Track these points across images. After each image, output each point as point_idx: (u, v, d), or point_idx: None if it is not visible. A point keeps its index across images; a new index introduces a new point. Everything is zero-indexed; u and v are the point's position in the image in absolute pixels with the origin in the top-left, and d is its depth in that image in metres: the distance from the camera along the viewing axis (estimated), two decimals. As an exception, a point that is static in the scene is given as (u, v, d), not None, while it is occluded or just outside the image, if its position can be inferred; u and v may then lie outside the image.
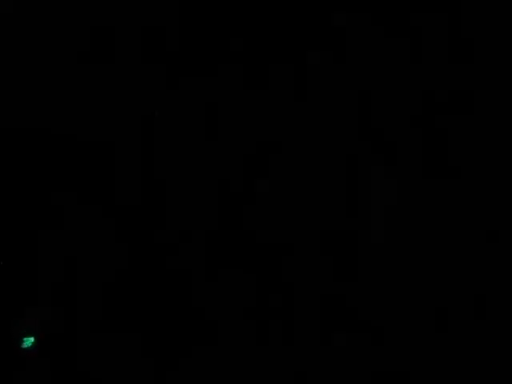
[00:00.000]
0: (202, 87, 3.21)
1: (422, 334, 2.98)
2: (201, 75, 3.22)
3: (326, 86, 3.17)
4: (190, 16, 3.24)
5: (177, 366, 3.06)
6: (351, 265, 3.07)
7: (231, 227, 3.15)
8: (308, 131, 3.16)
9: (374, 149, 3.13)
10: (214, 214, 3.16)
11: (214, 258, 3.13)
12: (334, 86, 3.16)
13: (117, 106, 3.23)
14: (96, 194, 3.19)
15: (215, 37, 3.22)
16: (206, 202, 3.17)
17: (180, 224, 3.17)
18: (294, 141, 3.16)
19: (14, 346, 3.09)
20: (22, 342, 3.05)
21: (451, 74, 3.10)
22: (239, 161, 3.18)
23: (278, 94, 3.19)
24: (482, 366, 2.93)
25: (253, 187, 3.16)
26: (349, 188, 3.12)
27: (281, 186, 3.15)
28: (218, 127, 3.20)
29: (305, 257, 3.09)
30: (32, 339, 3.06)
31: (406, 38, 3.13)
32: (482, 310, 2.97)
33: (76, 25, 3.25)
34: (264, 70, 3.20)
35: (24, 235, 3.17)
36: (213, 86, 3.21)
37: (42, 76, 3.24)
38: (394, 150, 3.11)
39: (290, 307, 3.07)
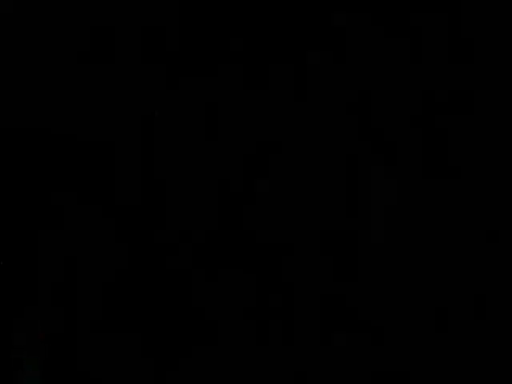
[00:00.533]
0: (202, 87, 3.21)
1: (422, 334, 2.98)
2: (201, 75, 3.22)
3: (325, 86, 3.17)
4: (190, 16, 3.24)
5: (177, 366, 3.06)
6: (351, 265, 3.07)
7: (231, 227, 3.15)
8: (308, 131, 3.16)
9: (373, 149, 3.13)
10: (213, 214, 3.17)
11: (213, 257, 3.13)
12: (333, 86, 3.16)
13: (117, 105, 3.23)
14: (96, 193, 3.19)
15: (215, 37, 3.23)
16: (206, 201, 3.17)
17: (180, 224, 3.17)
18: (294, 141, 3.16)
19: (14, 346, 3.09)
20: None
21: (451, 74, 3.10)
22: (239, 161, 3.18)
23: (277, 94, 3.19)
24: (482, 365, 2.93)
25: (253, 187, 3.16)
26: (349, 188, 3.12)
27: (281, 185, 3.15)
28: (218, 127, 3.20)
29: (305, 257, 3.10)
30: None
31: (405, 37, 3.13)
32: (482, 310, 2.97)
33: (76, 25, 3.25)
34: (264, 70, 3.20)
35: (24, 235, 3.17)
36: (213, 86, 3.21)
37: (42, 76, 3.24)
38: (394, 150, 3.12)
39: (290, 307, 3.07)
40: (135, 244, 3.16)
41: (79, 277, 3.15)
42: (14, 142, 3.21)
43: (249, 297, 3.09)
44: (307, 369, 3.01)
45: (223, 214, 3.16)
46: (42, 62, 3.25)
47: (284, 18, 3.21)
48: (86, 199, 3.19)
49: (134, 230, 3.17)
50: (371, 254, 3.07)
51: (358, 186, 3.12)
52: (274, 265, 3.11)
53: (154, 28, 3.25)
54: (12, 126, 3.23)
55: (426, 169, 3.08)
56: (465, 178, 3.05)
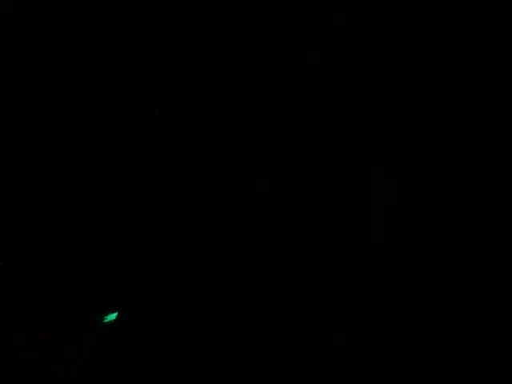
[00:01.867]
0: (202, 87, 3.21)
1: (422, 334, 2.98)
2: (201, 75, 3.22)
3: (326, 86, 3.17)
4: (190, 16, 3.24)
5: (177, 366, 3.06)
6: (351, 265, 3.07)
7: (231, 227, 3.15)
8: (308, 131, 3.16)
9: (373, 149, 3.13)
10: (213, 214, 3.17)
11: (213, 257, 3.13)
12: (334, 86, 3.16)
13: (117, 105, 3.23)
14: (96, 193, 3.19)
15: (215, 37, 3.22)
16: (206, 201, 3.17)
17: (180, 224, 3.17)
18: (294, 141, 3.16)
19: (14, 346, 3.09)
20: (105, 317, 3.06)
21: (451, 74, 3.10)
22: (239, 161, 3.18)
23: (278, 94, 3.19)
24: (482, 365, 2.93)
25: (253, 187, 3.16)
26: (349, 188, 3.12)
27: (281, 185, 3.15)
28: (218, 127, 3.20)
29: (305, 257, 3.10)
30: (114, 315, 3.07)
31: (405, 37, 3.13)
32: (482, 310, 2.97)
33: (76, 25, 3.25)
34: (264, 70, 3.20)
35: (24, 235, 3.17)
36: (213, 86, 3.21)
37: (42, 76, 3.24)
38: (394, 150, 3.12)
39: (290, 307, 3.07)
40: (135, 244, 3.16)
41: (79, 277, 3.15)
42: (14, 142, 3.21)
43: (249, 297, 3.09)
44: (307, 369, 3.01)
45: (223, 214, 3.16)
46: (42, 62, 3.25)
47: (284, 18, 3.21)
48: (86, 199, 3.19)
49: (134, 229, 3.17)
50: (371, 254, 3.07)
51: (358, 186, 3.12)
52: (273, 265, 3.11)
53: (153, 28, 3.25)
54: (12, 126, 3.23)
55: (426, 169, 3.08)
56: (465, 177, 3.05)
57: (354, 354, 3.00)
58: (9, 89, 3.24)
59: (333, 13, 3.17)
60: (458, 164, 3.07)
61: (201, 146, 3.20)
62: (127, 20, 3.25)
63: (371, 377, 2.98)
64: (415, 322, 3.00)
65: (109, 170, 3.21)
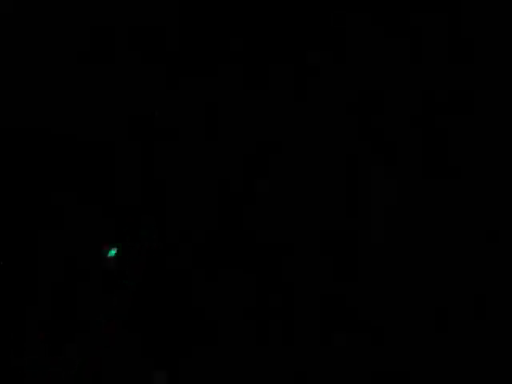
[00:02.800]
0: (202, 87, 3.22)
1: (422, 334, 2.98)
2: (201, 75, 3.22)
3: (326, 86, 3.17)
4: (190, 16, 3.24)
5: (177, 366, 3.06)
6: (351, 265, 3.07)
7: (231, 227, 3.15)
8: (308, 131, 3.16)
9: (373, 149, 3.13)
10: (213, 214, 3.17)
11: (213, 258, 3.13)
12: (333, 86, 3.16)
13: (117, 106, 3.24)
14: (96, 194, 3.19)
15: (215, 37, 3.23)
16: (206, 201, 3.17)
17: (180, 224, 3.17)
18: (294, 141, 3.16)
19: (14, 346, 3.09)
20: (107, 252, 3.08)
21: (451, 74, 3.10)
22: (239, 161, 3.18)
23: (278, 94, 3.19)
24: (482, 365, 2.93)
25: (253, 187, 3.16)
26: (349, 188, 3.12)
27: (281, 186, 3.15)
28: (218, 127, 3.20)
29: (305, 257, 3.10)
30: (113, 251, 3.09)
31: (405, 37, 3.14)
32: (482, 310, 2.97)
33: (76, 25, 3.25)
34: (264, 70, 3.20)
35: (24, 235, 3.17)
36: (213, 86, 3.21)
37: (42, 76, 3.25)
38: (394, 150, 3.12)
39: (290, 307, 3.07)
40: (135, 244, 3.16)
41: (79, 277, 3.15)
42: (14, 142, 3.22)
43: (249, 297, 3.09)
44: (307, 369, 3.01)
45: (223, 214, 3.16)
46: (42, 62, 3.25)
47: (284, 18, 3.21)
48: (86, 199, 3.19)
49: (134, 229, 3.17)
50: (371, 254, 3.07)
51: (358, 185, 3.12)
52: (273, 265, 3.11)
53: (153, 28, 3.25)
54: (12, 126, 3.23)
55: (425, 169, 3.09)
56: (465, 177, 3.05)
57: (354, 354, 3.00)
58: (9, 89, 3.24)
59: (333, 13, 3.17)
60: (458, 164, 3.07)
61: (201, 146, 3.20)
62: (127, 20, 3.25)
63: (371, 377, 2.98)
64: (415, 322, 3.00)
65: (109, 170, 3.21)
